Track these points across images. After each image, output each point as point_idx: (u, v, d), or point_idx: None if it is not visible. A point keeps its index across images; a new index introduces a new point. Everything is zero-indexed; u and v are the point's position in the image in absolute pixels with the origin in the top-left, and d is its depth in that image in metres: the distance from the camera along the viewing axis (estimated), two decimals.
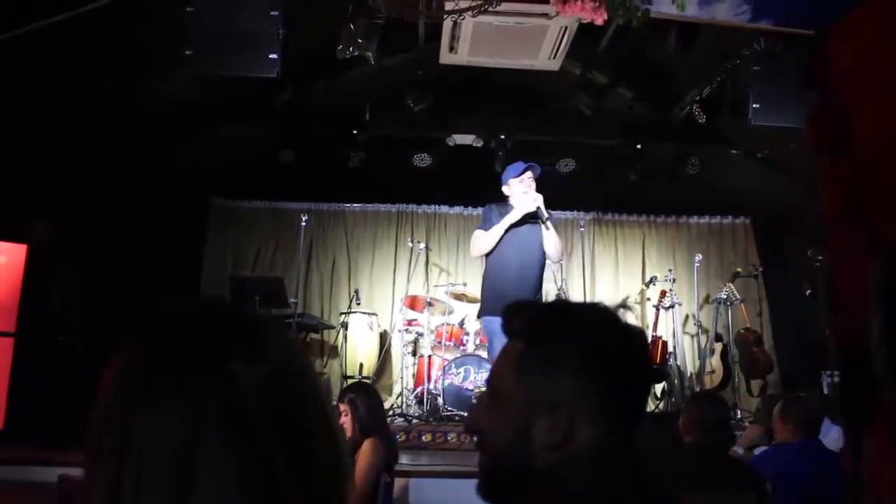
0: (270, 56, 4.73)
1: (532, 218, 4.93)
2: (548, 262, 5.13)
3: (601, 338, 1.15)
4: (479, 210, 8.58)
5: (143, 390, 0.66)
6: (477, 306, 7.79)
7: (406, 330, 7.35)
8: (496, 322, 4.73)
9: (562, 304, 1.24)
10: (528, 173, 4.95)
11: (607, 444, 1.11)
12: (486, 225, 4.99)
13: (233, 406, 0.64)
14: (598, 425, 1.11)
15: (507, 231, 4.88)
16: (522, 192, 4.89)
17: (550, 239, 4.93)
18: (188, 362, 0.67)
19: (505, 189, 5.04)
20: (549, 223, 4.92)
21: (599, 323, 1.18)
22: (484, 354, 6.71)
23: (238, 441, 0.63)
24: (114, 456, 0.63)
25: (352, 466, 3.31)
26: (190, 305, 0.76)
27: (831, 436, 4.05)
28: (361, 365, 7.21)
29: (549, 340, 1.17)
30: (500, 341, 1.29)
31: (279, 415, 0.66)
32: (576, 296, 7.98)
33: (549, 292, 7.47)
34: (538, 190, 4.99)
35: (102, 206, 6.89)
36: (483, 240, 4.97)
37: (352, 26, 5.30)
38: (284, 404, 0.67)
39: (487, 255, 5.02)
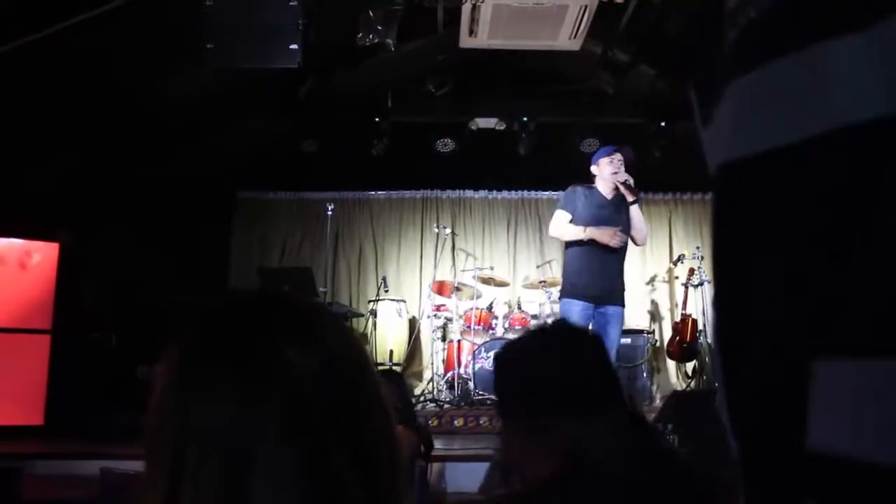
0: (291, 47, 4.72)
1: (618, 200, 4.91)
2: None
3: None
4: (504, 194, 8.64)
5: (200, 378, 0.66)
6: (504, 290, 7.83)
7: (435, 315, 7.36)
8: (573, 304, 4.78)
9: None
10: (618, 154, 4.93)
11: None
12: (568, 206, 4.92)
13: (288, 394, 0.65)
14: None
15: (590, 212, 4.85)
16: (612, 172, 4.88)
17: (636, 222, 4.91)
18: (243, 350, 0.67)
19: (593, 168, 5.01)
20: (637, 204, 4.91)
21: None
22: (512, 338, 6.69)
23: (294, 428, 0.64)
24: (174, 444, 0.64)
25: None
26: (244, 295, 0.77)
27: None
28: (391, 352, 7.25)
29: None
30: None
31: (335, 404, 0.66)
32: None
33: None
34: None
35: (130, 203, 6.96)
36: (562, 231, 4.93)
37: (370, 13, 5.29)
38: (340, 393, 0.67)
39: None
